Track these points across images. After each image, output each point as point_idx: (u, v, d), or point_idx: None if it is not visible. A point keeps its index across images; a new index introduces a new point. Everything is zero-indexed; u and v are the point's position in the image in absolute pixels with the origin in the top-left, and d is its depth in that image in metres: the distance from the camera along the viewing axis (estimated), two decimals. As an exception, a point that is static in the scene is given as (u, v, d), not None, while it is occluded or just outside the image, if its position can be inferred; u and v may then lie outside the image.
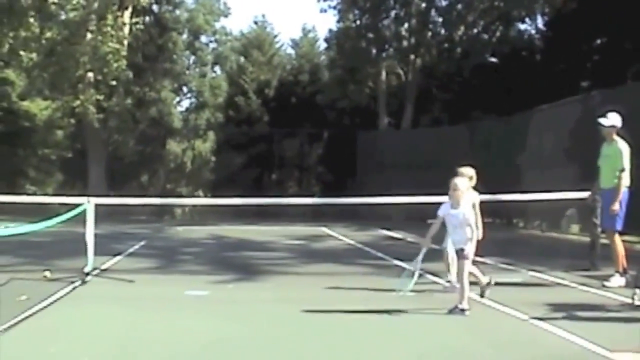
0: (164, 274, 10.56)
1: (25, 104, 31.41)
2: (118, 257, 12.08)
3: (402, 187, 15.31)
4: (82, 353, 5.37)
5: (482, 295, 7.46)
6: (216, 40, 44.25)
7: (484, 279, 7.46)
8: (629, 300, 7.51)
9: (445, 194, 7.83)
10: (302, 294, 8.50)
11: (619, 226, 9.28)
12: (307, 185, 34.30)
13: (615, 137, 9.41)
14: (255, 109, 34.99)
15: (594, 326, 6.38)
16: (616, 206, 9.15)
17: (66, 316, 6.96)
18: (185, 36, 39.21)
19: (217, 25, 43.01)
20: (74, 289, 8.49)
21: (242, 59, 38.44)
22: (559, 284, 9.25)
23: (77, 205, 9.99)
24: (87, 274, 9.33)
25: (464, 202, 7.11)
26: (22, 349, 5.57)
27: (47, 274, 9.26)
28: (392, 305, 7.33)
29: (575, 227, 17.60)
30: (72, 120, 31.03)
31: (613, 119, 9.42)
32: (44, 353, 5.41)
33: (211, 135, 39.89)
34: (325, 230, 20.08)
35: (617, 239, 9.28)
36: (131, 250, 13.67)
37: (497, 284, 7.64)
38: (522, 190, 13.48)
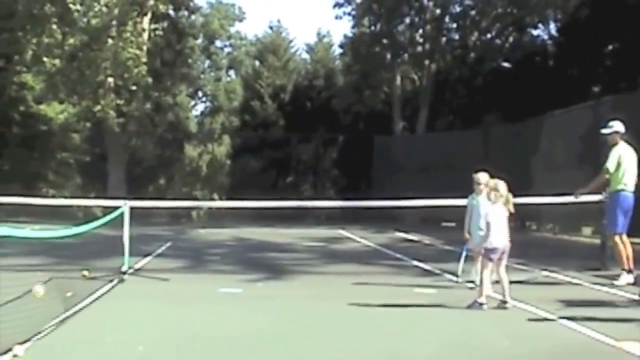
0: (195, 273, 11.10)
1: (42, 107, 31.78)
2: (148, 258, 12.61)
3: (417, 191, 15.76)
4: (136, 342, 5.89)
5: (500, 306, 7.47)
6: (231, 45, 44.84)
7: (507, 297, 7.49)
8: (636, 297, 8.00)
9: (461, 197, 8.34)
10: (330, 291, 9.06)
11: (619, 229, 9.72)
12: (322, 188, 34.47)
13: (619, 141, 9.88)
14: (271, 113, 35.17)
15: (603, 320, 6.79)
16: (576, 195, 10.37)
17: (112, 310, 7.48)
18: (200, 40, 39.61)
19: (232, 29, 43.65)
20: (113, 286, 9.03)
21: (257, 63, 38.59)
22: (571, 282, 9.69)
23: (114, 209, 10.53)
24: (124, 272, 9.88)
25: (498, 202, 7.60)
26: (80, 338, 6.09)
27: (86, 272, 9.74)
28: (415, 300, 7.95)
29: (587, 230, 17.95)
30: (88, 124, 31.46)
31: (615, 126, 9.91)
32: (100, 342, 5.94)
33: (226, 139, 40.20)
34: (342, 232, 20.53)
35: (619, 240, 9.72)
36: (159, 251, 14.20)
37: (513, 282, 8.07)
38: (535, 194, 13.80)
